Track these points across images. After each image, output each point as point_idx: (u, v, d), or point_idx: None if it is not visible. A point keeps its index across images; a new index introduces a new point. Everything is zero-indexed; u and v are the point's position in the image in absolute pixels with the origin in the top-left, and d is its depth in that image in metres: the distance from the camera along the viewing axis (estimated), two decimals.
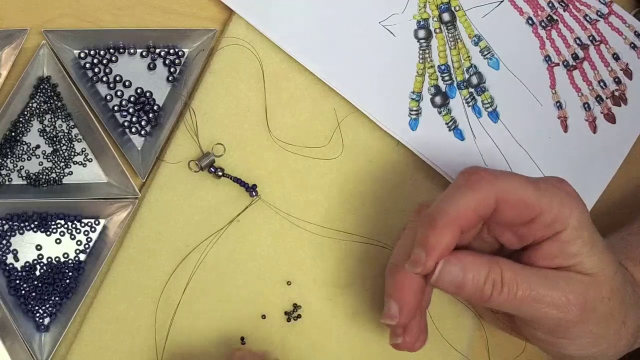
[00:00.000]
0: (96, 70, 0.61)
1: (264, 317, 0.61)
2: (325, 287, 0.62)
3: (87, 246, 0.60)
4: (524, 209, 0.50)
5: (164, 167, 0.61)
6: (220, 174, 0.61)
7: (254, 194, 0.61)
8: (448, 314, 0.63)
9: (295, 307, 0.62)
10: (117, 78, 0.61)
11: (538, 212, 0.50)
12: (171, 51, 0.62)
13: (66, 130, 0.61)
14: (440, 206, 0.50)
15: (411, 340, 0.55)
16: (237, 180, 0.61)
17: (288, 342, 0.61)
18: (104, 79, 0.61)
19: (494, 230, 0.54)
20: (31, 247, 0.60)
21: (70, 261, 0.60)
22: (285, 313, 0.62)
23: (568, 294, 0.50)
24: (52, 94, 0.60)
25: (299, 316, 0.62)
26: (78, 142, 0.61)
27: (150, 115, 0.62)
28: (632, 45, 0.67)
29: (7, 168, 0.60)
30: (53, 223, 0.60)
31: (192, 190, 0.61)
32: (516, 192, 0.50)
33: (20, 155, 0.60)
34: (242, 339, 0.61)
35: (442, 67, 0.64)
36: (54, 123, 0.61)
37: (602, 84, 0.66)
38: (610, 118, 0.66)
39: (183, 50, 0.62)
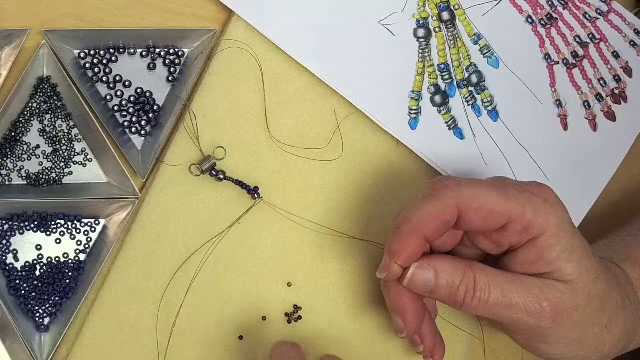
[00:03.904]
0: (96, 70, 0.61)
1: (264, 318, 0.61)
2: (325, 289, 0.62)
3: (87, 246, 0.60)
4: (488, 215, 0.50)
5: (164, 169, 0.61)
6: (221, 177, 0.60)
7: (257, 196, 0.61)
8: (447, 316, 0.63)
9: (296, 308, 0.62)
10: (117, 78, 0.61)
11: (507, 219, 0.50)
12: (171, 51, 0.62)
13: (66, 130, 0.61)
14: (405, 215, 0.51)
15: (430, 345, 0.56)
16: (239, 183, 0.61)
17: None
18: (104, 79, 0.61)
19: (472, 237, 0.55)
20: (31, 247, 0.60)
21: (70, 261, 0.60)
22: (286, 314, 0.61)
23: (542, 301, 0.50)
24: (52, 94, 0.60)
25: (300, 317, 0.62)
26: (78, 142, 0.61)
27: (150, 115, 0.62)
28: (632, 43, 0.67)
29: (7, 168, 0.60)
30: (53, 223, 0.60)
31: (193, 192, 0.61)
32: (478, 200, 0.50)
33: (20, 155, 0.60)
34: (241, 337, 0.60)
35: (442, 66, 0.64)
36: (54, 123, 0.60)
37: (602, 82, 0.66)
38: (611, 116, 0.66)
39: (183, 50, 0.62)
